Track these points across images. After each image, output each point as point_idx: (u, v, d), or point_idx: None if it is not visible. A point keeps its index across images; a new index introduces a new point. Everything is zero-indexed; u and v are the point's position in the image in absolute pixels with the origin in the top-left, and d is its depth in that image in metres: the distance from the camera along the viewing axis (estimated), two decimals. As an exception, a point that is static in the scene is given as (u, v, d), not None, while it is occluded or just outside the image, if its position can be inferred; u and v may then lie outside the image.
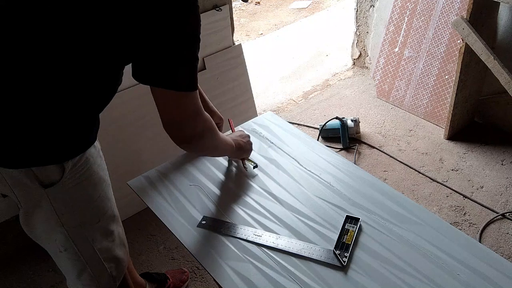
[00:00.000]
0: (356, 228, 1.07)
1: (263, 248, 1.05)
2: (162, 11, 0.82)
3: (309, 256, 1.01)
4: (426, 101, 2.55)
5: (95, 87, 0.93)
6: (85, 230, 1.06)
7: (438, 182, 2.18)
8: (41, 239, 1.07)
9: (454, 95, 2.27)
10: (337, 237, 1.05)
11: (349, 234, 1.05)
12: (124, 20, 0.83)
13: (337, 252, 1.01)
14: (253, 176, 1.26)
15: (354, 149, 2.43)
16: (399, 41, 2.63)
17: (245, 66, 2.30)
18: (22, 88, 0.86)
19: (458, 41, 2.33)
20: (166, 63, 0.86)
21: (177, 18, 0.84)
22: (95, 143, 1.04)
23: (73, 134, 0.95)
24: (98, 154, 1.07)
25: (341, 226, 1.07)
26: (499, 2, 2.07)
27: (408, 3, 2.56)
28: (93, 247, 1.08)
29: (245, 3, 4.47)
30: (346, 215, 1.10)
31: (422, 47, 2.52)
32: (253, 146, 1.36)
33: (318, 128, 2.53)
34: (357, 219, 1.09)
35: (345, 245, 1.03)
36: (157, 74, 0.87)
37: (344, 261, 0.99)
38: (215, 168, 1.29)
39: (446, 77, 2.43)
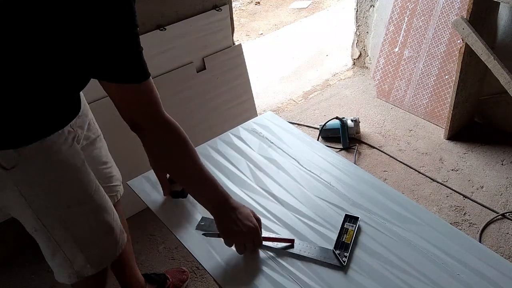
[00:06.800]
0: (355, 227, 1.07)
1: (263, 248, 1.05)
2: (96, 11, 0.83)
3: (309, 256, 1.01)
4: (426, 101, 2.55)
5: (44, 79, 0.93)
6: (55, 214, 1.07)
7: (438, 182, 2.18)
8: (17, 218, 1.09)
9: (454, 95, 2.27)
10: (336, 237, 1.05)
11: (348, 233, 1.05)
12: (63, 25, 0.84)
13: (337, 252, 1.01)
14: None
15: (354, 149, 2.43)
16: (399, 41, 2.63)
17: (245, 66, 2.30)
18: None
19: (458, 41, 2.33)
20: (114, 59, 0.88)
21: (111, 17, 0.84)
22: (66, 133, 1.04)
23: (26, 121, 0.96)
24: (66, 143, 1.05)
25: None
26: (499, 2, 2.07)
27: (408, 3, 2.56)
28: (66, 230, 1.09)
29: (244, 3, 4.47)
30: (345, 214, 1.10)
31: (422, 47, 2.52)
32: (253, 146, 1.36)
33: (318, 128, 2.53)
34: (356, 218, 1.09)
35: (345, 245, 1.03)
36: (107, 69, 0.89)
37: (344, 261, 0.99)
38: (215, 168, 1.29)
39: (446, 77, 2.43)
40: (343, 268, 0.99)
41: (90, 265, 1.16)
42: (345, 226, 1.07)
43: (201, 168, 1.00)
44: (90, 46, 0.86)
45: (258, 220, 1.04)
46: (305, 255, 1.02)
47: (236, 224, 0.98)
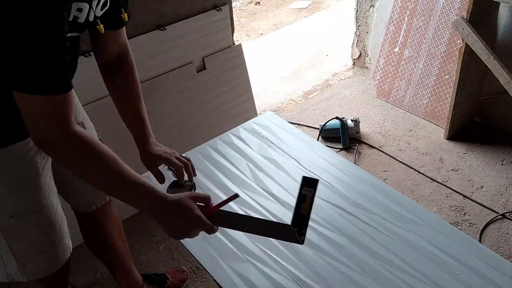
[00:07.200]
0: (313, 192, 0.91)
1: (263, 248, 1.05)
2: None
3: (267, 236, 0.99)
4: (426, 101, 2.55)
5: None
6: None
7: (438, 182, 2.18)
8: None
9: (454, 95, 2.27)
10: (294, 207, 0.92)
11: (306, 201, 0.91)
12: None
13: (295, 229, 0.89)
14: None
15: (354, 149, 2.43)
16: (399, 41, 2.63)
17: (245, 66, 2.30)
18: None
19: (458, 41, 2.33)
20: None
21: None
22: (30, 144, 1.03)
23: None
24: (27, 154, 1.04)
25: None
26: (499, 2, 2.07)
27: (408, 3, 2.56)
28: (2, 237, 1.10)
29: (244, 3, 4.47)
30: (303, 177, 0.93)
31: (422, 47, 2.52)
32: (253, 146, 1.36)
33: (318, 128, 2.53)
34: (315, 181, 0.92)
35: (303, 218, 0.90)
36: (22, 77, 0.80)
37: (303, 240, 0.88)
38: (215, 168, 1.29)
39: (446, 77, 2.43)
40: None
41: (22, 274, 1.16)
42: (302, 192, 0.92)
43: (129, 170, 0.91)
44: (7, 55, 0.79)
45: (205, 198, 0.92)
46: (262, 235, 0.98)
47: (176, 224, 0.89)
